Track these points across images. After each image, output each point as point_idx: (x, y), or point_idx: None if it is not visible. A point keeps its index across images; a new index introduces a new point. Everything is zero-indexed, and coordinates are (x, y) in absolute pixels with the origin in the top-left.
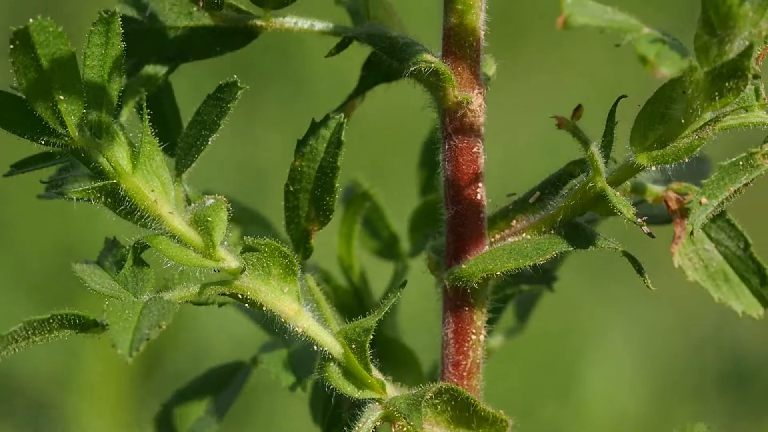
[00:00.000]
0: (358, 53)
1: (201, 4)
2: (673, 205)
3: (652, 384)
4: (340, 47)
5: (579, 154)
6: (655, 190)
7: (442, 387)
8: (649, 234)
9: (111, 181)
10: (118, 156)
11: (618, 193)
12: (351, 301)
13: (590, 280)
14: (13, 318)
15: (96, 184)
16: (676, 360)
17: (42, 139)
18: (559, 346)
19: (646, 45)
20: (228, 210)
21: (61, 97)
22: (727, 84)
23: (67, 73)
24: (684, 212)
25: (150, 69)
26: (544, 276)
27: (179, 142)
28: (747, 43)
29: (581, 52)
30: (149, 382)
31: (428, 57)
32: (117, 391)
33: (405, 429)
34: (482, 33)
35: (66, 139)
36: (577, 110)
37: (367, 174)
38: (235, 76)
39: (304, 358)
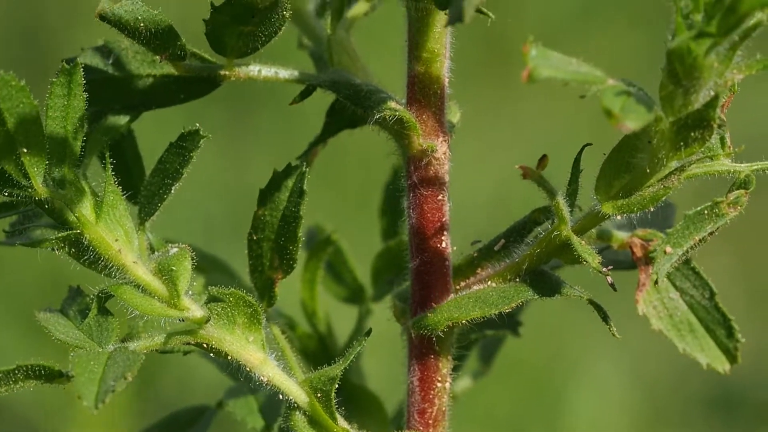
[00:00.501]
0: None
1: (164, 55)
2: (638, 252)
3: (640, 409)
4: (304, 95)
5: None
6: (621, 236)
7: None
8: (612, 285)
9: (74, 231)
10: (81, 206)
11: (583, 241)
12: (315, 347)
13: (577, 305)
14: (1, 343)
15: (59, 234)
16: (663, 385)
17: (5, 191)
18: (547, 371)
19: (610, 98)
20: (192, 259)
21: (24, 150)
22: (692, 134)
23: (29, 126)
24: (649, 259)
25: (113, 117)
26: (509, 321)
27: (142, 190)
28: (712, 93)
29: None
30: (140, 406)
31: (393, 105)
32: (109, 416)
33: None
34: (447, 80)
35: (29, 191)
36: (542, 160)
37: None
38: (198, 125)
39: (271, 402)
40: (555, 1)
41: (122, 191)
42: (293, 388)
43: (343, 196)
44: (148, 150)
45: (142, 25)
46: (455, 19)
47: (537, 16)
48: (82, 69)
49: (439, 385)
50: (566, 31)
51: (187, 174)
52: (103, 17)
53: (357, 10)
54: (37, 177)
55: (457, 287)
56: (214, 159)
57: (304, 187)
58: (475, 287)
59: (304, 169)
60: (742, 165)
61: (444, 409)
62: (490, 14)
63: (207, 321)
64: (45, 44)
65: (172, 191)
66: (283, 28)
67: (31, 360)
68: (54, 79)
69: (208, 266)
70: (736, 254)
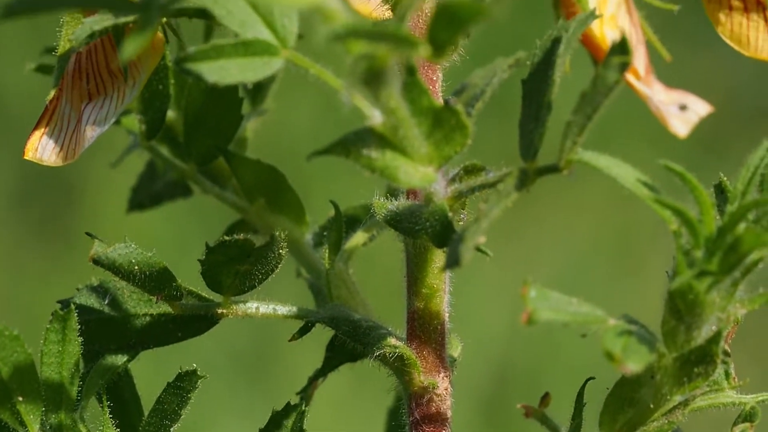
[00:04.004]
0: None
1: (159, 296)
2: None
3: None
4: (303, 331)
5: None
6: None
7: None
8: None
9: None
10: None
11: None
12: None
13: None
14: None
15: None
16: None
17: None
18: None
19: (611, 339)
20: None
21: (20, 398)
22: (696, 369)
23: (25, 374)
24: None
25: (110, 357)
26: None
27: (141, 430)
28: (714, 328)
29: (591, 196)
30: None
31: (393, 342)
32: None
33: None
34: (447, 315)
35: None
36: (545, 398)
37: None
38: (195, 364)
39: None
40: None
41: None
42: None
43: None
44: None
45: (136, 268)
46: (452, 263)
47: (555, 141)
48: (78, 309)
49: None
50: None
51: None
52: (96, 261)
53: (355, 241)
54: (34, 424)
55: None
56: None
57: (304, 427)
58: None
59: (303, 408)
60: (748, 396)
61: None
62: (489, 252)
63: None
64: (68, 176)
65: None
66: (280, 265)
67: None
68: (48, 326)
69: None
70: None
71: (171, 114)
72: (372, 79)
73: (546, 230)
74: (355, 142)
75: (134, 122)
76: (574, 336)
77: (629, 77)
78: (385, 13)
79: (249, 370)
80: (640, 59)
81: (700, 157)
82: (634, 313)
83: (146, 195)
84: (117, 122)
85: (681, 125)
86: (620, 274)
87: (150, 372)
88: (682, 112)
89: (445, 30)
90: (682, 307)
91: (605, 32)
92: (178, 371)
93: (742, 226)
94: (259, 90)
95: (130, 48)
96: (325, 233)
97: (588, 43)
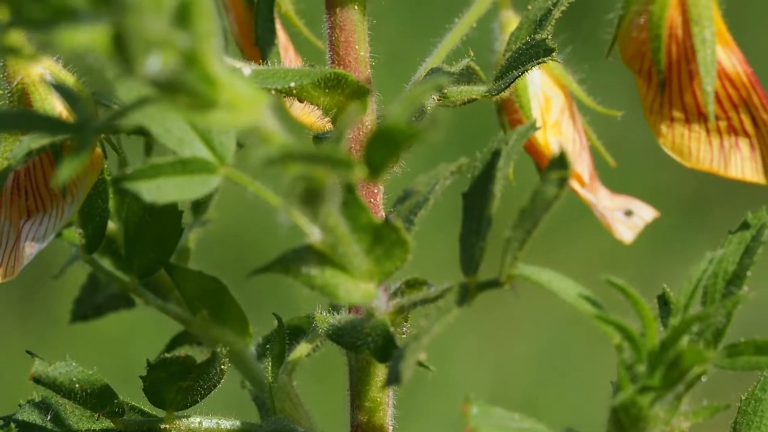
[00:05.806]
0: None
1: (101, 413)
2: None
3: None
4: None
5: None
6: None
7: None
8: None
9: None
10: None
11: None
12: None
13: None
14: None
15: None
16: None
17: None
18: None
19: None
20: None
21: None
22: None
23: None
24: None
25: None
26: None
27: None
28: None
29: (571, 265)
30: None
31: None
32: None
33: None
34: (391, 429)
35: None
36: None
37: None
38: None
39: None
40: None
41: None
42: None
43: None
44: None
45: (77, 386)
46: (393, 381)
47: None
48: (20, 426)
49: None
50: (568, 226)
51: None
52: (37, 380)
53: (298, 352)
54: None
55: None
56: None
57: None
58: None
59: None
60: None
61: None
62: (431, 367)
63: None
64: (48, 251)
65: None
66: (222, 380)
67: None
68: None
69: None
70: None
71: (112, 225)
72: (310, 198)
73: (526, 299)
74: (295, 260)
75: (75, 235)
76: (556, 407)
77: (574, 184)
78: (326, 124)
79: None
80: (584, 165)
81: (682, 222)
82: None
83: (89, 307)
84: (58, 235)
85: (626, 231)
86: (601, 342)
87: None
88: (628, 217)
89: (380, 152)
90: (625, 422)
91: (549, 139)
92: None
93: (684, 341)
94: (200, 201)
95: (67, 170)
96: (268, 345)
97: (532, 150)
